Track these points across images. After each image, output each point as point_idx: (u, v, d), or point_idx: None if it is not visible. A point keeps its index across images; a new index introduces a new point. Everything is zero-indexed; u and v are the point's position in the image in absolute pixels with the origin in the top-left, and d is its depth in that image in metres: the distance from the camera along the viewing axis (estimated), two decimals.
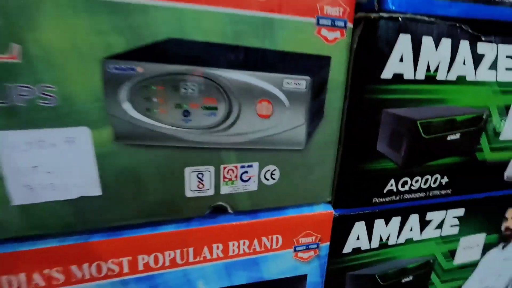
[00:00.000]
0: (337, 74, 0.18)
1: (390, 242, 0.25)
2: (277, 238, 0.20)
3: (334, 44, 0.18)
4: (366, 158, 0.20)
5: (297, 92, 0.17)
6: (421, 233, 0.25)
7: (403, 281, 0.27)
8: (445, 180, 0.24)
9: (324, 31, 0.17)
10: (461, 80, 0.20)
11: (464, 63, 0.20)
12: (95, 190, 0.15)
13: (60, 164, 0.15)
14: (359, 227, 0.23)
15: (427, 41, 0.19)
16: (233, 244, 0.19)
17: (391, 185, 0.22)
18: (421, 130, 0.21)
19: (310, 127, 0.18)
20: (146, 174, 0.16)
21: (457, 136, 0.22)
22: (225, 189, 0.18)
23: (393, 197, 0.23)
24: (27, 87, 0.14)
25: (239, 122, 0.17)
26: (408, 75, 0.19)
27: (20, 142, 0.14)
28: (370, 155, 0.20)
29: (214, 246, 0.19)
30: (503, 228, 0.29)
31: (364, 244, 0.24)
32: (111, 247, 0.17)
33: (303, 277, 0.22)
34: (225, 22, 0.15)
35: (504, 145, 0.24)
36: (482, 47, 0.20)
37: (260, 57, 0.16)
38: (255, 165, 0.18)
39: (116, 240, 0.17)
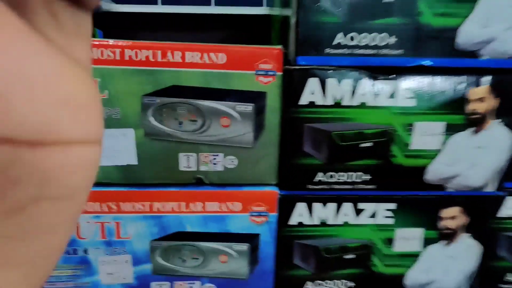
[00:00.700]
0: (273, 101, 0.30)
1: (329, 222, 0.33)
2: (237, 204, 0.32)
3: (269, 84, 0.30)
4: (296, 156, 0.31)
5: (246, 112, 0.30)
6: (356, 219, 0.34)
7: (345, 257, 0.35)
8: (368, 177, 0.32)
9: (261, 78, 0.30)
10: (363, 105, 0.30)
11: (364, 94, 0.30)
12: (134, 161, 0.30)
13: (118, 147, 0.29)
14: (301, 206, 0.33)
15: (331, 81, 0.29)
16: (209, 204, 0.31)
17: (321, 176, 0.32)
18: (335, 139, 0.30)
19: (255, 134, 0.30)
20: (159, 154, 0.30)
21: (368, 144, 0.31)
22: (202, 168, 0.31)
23: (324, 186, 0.32)
24: (108, 109, 0.29)
25: (210, 129, 0.30)
26: (319, 102, 0.30)
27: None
28: (299, 154, 0.31)
29: (198, 203, 0.31)
30: (441, 227, 0.34)
31: (306, 220, 0.33)
32: (139, 195, 0.31)
33: (257, 235, 0.32)
34: (201, 75, 0.29)
35: (415, 153, 0.32)
36: (379, 83, 0.30)
37: (222, 93, 0.29)
38: (221, 155, 0.31)
39: (143, 191, 0.31)
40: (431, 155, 0.32)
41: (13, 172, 0.06)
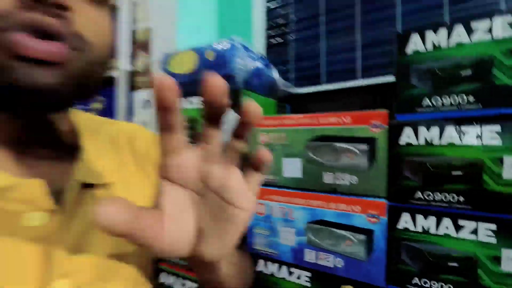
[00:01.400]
0: (382, 143, 0.48)
1: (432, 232, 0.44)
2: (358, 207, 0.50)
3: (378, 132, 0.48)
4: (399, 178, 0.46)
5: (363, 149, 0.49)
6: (456, 233, 0.42)
7: (449, 264, 0.42)
8: (462, 198, 0.42)
9: (373, 129, 0.49)
10: (451, 144, 0.42)
11: (451, 137, 0.42)
12: (300, 175, 0.56)
13: (293, 167, 0.56)
14: (405, 215, 0.46)
15: (421, 129, 0.44)
16: (340, 205, 0.52)
17: (419, 194, 0.44)
18: (424, 167, 0.44)
19: (369, 163, 0.49)
20: (313, 173, 0.54)
21: (459, 173, 0.42)
22: (337, 182, 0.52)
23: (424, 202, 0.44)
24: (287, 148, 0.57)
25: (341, 159, 0.51)
26: (414, 143, 0.45)
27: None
28: (400, 177, 0.46)
29: (332, 204, 0.52)
30: None
31: (411, 227, 0.45)
32: (301, 196, 0.55)
33: (371, 231, 0.48)
34: (337, 130, 0.52)
35: (508, 182, 0.38)
36: (464, 128, 0.41)
37: (349, 139, 0.51)
38: (348, 175, 0.51)
39: (303, 193, 0.55)
40: None
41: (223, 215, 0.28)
